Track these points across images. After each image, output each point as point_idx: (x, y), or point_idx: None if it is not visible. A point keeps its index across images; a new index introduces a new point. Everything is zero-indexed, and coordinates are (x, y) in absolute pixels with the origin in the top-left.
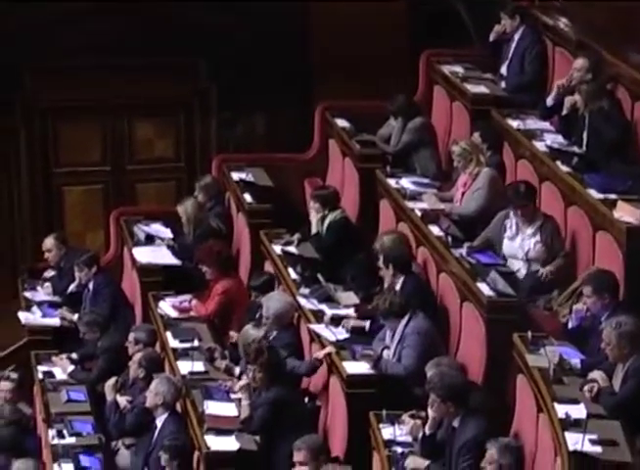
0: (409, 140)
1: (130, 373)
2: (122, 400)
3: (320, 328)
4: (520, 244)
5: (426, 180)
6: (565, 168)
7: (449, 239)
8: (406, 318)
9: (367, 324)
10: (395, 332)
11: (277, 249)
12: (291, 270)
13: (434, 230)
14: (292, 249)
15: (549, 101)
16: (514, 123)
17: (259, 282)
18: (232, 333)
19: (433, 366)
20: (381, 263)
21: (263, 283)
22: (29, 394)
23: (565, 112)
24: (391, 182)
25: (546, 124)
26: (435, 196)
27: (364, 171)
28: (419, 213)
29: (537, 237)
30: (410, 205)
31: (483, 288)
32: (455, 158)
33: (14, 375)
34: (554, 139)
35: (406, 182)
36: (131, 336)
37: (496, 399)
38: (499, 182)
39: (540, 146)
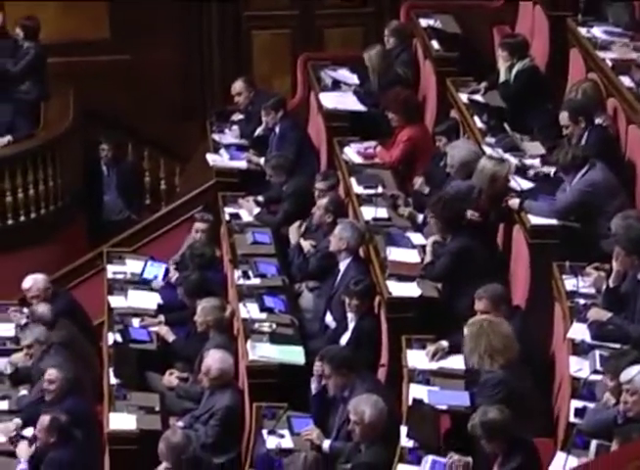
0: None
1: (314, 218)
2: (306, 244)
3: None
4: None
5: (618, 29)
6: None
7: None
8: (583, 170)
9: (552, 171)
10: (572, 184)
11: (463, 97)
12: (476, 119)
13: (625, 81)
14: (478, 97)
15: None
16: None
17: (444, 127)
18: (416, 179)
19: (619, 219)
20: (568, 115)
21: (448, 128)
22: (217, 235)
23: None
24: (583, 31)
25: None
26: (628, 46)
27: (555, 19)
28: (610, 64)
29: None
30: (601, 54)
31: None
32: None
33: (208, 216)
34: None
35: (598, 31)
36: (317, 181)
37: None
38: None
39: None
